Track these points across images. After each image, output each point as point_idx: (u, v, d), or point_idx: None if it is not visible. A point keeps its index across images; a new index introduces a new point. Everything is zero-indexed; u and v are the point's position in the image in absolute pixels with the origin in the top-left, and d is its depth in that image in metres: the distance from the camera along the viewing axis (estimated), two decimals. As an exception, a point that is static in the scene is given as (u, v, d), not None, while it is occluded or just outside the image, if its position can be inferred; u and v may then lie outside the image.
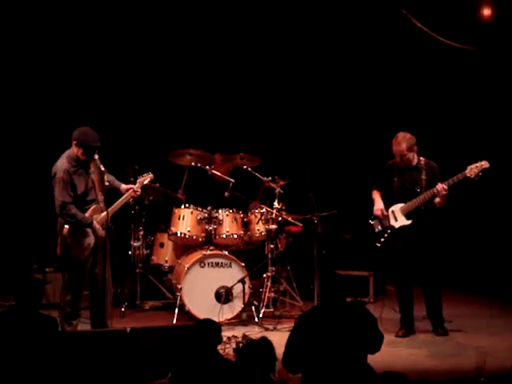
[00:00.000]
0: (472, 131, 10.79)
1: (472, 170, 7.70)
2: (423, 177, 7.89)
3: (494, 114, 10.73)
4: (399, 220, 7.99)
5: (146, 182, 8.04)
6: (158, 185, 8.96)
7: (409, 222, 7.94)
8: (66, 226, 7.41)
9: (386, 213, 8.06)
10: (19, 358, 5.45)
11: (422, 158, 7.99)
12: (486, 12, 9.54)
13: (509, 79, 10.23)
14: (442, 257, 8.14)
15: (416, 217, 7.93)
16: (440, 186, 7.74)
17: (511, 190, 10.63)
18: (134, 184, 7.93)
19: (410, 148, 7.89)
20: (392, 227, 8.01)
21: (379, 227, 8.10)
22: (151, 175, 8.10)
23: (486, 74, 10.44)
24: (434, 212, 7.96)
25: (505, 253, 10.44)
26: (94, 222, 7.45)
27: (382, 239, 8.05)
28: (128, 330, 6.46)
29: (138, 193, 7.89)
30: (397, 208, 8.00)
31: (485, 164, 7.71)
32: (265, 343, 4.92)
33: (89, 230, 7.48)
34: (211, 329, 5.06)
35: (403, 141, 7.90)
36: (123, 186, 7.85)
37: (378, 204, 8.13)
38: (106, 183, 7.51)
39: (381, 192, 8.19)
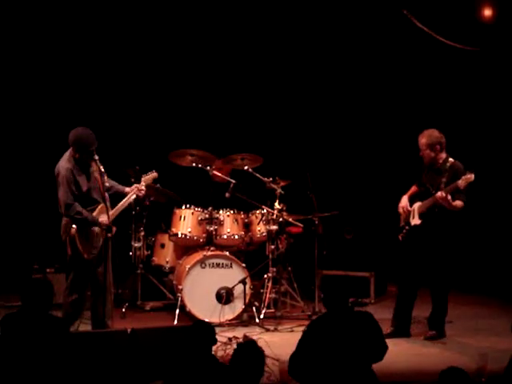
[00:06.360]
0: (472, 131, 10.78)
1: (462, 181, 7.61)
2: (443, 179, 7.78)
3: (494, 114, 10.72)
4: (415, 218, 7.98)
5: (150, 180, 7.96)
6: (158, 185, 8.93)
7: (419, 221, 7.93)
8: (74, 226, 7.39)
9: (408, 209, 8.03)
10: (26, 359, 5.40)
11: (450, 160, 7.88)
12: (487, 12, 9.53)
13: (509, 79, 10.23)
14: (455, 261, 8.01)
15: (427, 218, 7.89)
16: (439, 194, 7.70)
17: (511, 190, 10.62)
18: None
19: (430, 146, 7.86)
20: (409, 224, 8.02)
21: (402, 223, 8.09)
22: (155, 174, 8.02)
23: (486, 74, 10.44)
24: (451, 215, 7.81)
25: (505, 253, 10.43)
26: (100, 220, 7.42)
27: (401, 234, 8.04)
28: (129, 330, 6.47)
29: (143, 192, 7.78)
30: (416, 206, 7.99)
31: (470, 177, 7.60)
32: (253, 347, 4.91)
33: (95, 229, 7.46)
34: (205, 330, 5.05)
35: (424, 136, 7.91)
36: (127, 189, 7.78)
37: (402, 201, 8.12)
38: (107, 184, 7.51)
39: (419, 188, 8.13)
